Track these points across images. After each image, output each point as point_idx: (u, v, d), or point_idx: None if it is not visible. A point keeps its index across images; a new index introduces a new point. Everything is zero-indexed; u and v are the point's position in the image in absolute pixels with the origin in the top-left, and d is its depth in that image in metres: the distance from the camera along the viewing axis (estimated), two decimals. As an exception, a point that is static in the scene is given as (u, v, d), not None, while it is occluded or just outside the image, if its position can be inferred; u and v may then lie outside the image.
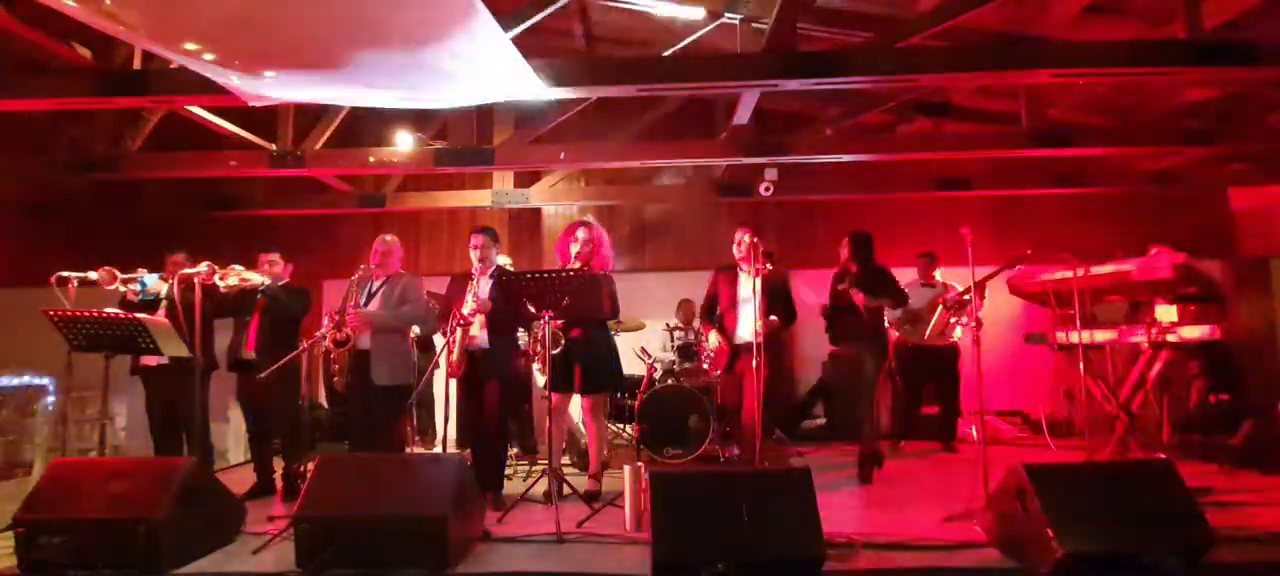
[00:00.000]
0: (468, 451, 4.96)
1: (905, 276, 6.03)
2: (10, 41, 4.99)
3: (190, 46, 3.68)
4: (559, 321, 4.40)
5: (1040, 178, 6.98)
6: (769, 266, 4.41)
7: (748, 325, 4.63)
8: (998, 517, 3.30)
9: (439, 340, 4.70)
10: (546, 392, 4.14)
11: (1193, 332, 4.37)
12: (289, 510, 3.65)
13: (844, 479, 5.25)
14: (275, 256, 5.07)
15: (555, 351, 4.44)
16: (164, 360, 4.62)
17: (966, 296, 4.29)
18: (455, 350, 4.44)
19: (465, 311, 4.47)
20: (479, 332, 4.55)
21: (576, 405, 4.96)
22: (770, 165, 6.60)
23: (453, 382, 4.67)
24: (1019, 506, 3.12)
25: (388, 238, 4.95)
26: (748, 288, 4.75)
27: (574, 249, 4.75)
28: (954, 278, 6.80)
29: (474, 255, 4.68)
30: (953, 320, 6.41)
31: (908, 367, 6.76)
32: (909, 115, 6.91)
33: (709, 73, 4.64)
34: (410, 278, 4.91)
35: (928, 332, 6.51)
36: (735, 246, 4.97)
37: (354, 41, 3.62)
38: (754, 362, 4.26)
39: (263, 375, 4.38)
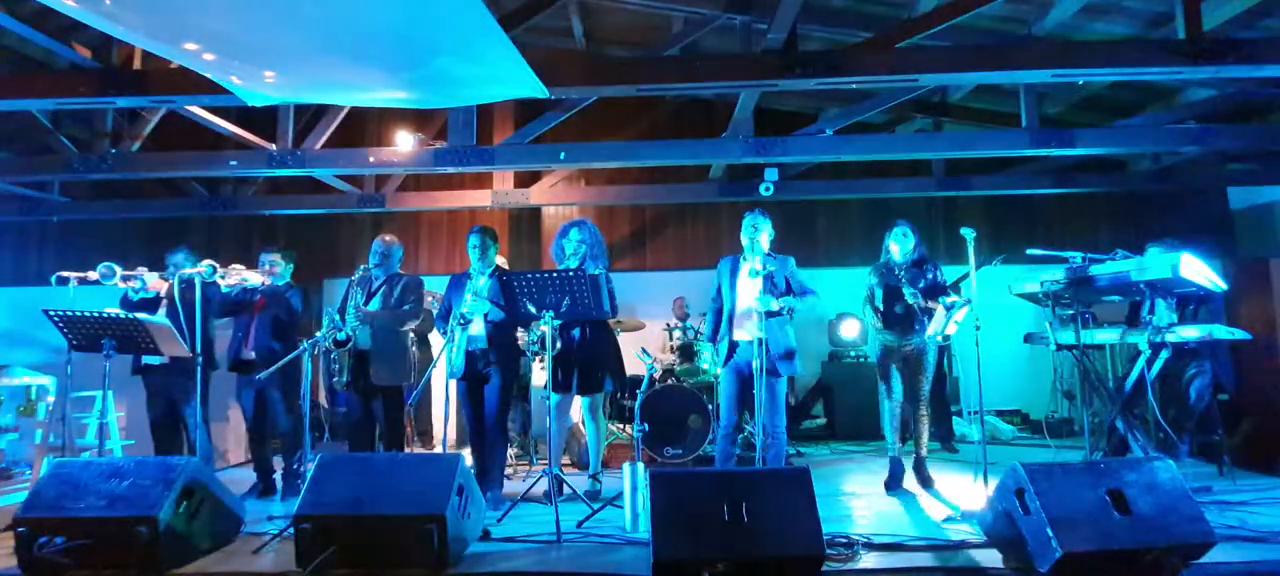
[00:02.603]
0: (468, 451, 4.96)
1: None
2: (11, 40, 4.99)
3: (190, 46, 3.69)
4: (560, 321, 4.39)
5: (1040, 177, 6.98)
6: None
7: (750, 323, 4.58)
8: (998, 517, 3.29)
9: (440, 340, 4.70)
10: (546, 393, 4.13)
11: (1192, 333, 4.36)
12: (289, 510, 3.65)
13: (844, 479, 5.26)
14: (276, 257, 5.08)
15: (555, 352, 4.43)
16: (164, 360, 4.62)
17: (968, 299, 4.27)
18: (456, 349, 4.44)
19: (465, 311, 4.47)
20: (479, 331, 4.56)
21: (577, 405, 4.95)
22: (770, 165, 6.60)
23: (453, 382, 4.66)
24: (1019, 506, 3.12)
25: (388, 238, 4.96)
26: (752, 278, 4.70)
27: (568, 248, 4.75)
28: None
29: (473, 254, 4.69)
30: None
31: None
32: (909, 115, 6.91)
33: (709, 73, 4.64)
34: (412, 277, 4.91)
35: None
36: (752, 231, 4.52)
37: (355, 41, 3.62)
38: (754, 363, 4.25)
39: (262, 375, 4.39)
